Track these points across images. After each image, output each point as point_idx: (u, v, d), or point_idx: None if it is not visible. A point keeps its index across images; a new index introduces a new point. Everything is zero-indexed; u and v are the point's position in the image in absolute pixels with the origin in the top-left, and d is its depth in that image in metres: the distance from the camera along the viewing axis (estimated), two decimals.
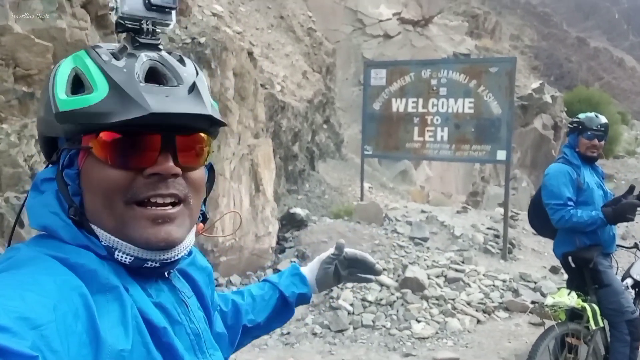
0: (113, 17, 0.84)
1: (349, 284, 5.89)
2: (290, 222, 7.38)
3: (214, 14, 9.10)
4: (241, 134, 6.29)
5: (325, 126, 11.14)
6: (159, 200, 0.79)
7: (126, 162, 0.78)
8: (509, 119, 7.38)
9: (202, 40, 6.32)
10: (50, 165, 0.86)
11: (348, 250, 1.39)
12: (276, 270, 5.40)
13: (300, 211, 7.54)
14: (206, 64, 5.96)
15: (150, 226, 0.79)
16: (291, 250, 6.73)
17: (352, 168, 11.36)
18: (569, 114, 23.38)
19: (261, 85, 7.62)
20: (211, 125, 0.86)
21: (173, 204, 0.81)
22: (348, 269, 1.39)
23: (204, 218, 0.95)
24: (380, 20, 16.67)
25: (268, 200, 6.73)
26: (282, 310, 1.31)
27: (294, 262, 6.04)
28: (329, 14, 15.81)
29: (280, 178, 8.53)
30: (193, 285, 0.97)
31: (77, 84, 0.80)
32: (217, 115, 0.84)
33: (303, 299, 1.34)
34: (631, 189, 3.53)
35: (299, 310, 5.60)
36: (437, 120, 7.72)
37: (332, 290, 5.77)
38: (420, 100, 7.80)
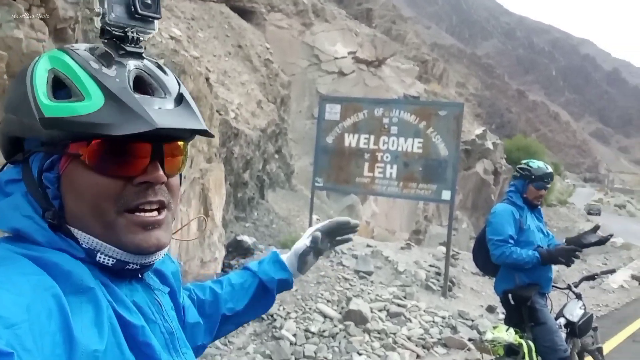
0: (97, 23, 0.83)
1: (293, 315, 5.89)
2: (237, 249, 7.32)
3: (172, 37, 9.10)
4: (194, 157, 6.25)
5: (276, 156, 11.21)
6: (147, 207, 0.81)
7: (117, 170, 0.79)
8: (454, 161, 7.68)
9: (161, 62, 6.31)
10: (11, 166, 0.84)
11: (322, 227, 1.37)
12: None
13: (247, 239, 7.51)
14: None
15: (141, 232, 0.80)
16: None
17: (301, 199, 11.43)
18: (508, 161, 24.60)
19: (216, 111, 7.63)
20: (192, 134, 0.88)
21: (159, 210, 0.83)
22: (326, 242, 1.38)
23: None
24: (336, 58, 17.11)
25: (216, 226, 6.66)
26: (262, 297, 1.31)
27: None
28: (286, 47, 16.09)
29: (229, 204, 8.48)
30: (166, 284, 0.99)
31: (57, 87, 0.78)
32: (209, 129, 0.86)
33: (284, 285, 1.33)
34: (595, 228, 3.75)
35: (241, 339, 5.51)
36: (387, 157, 7.94)
37: (275, 320, 5.73)
38: (372, 137, 8.01)
